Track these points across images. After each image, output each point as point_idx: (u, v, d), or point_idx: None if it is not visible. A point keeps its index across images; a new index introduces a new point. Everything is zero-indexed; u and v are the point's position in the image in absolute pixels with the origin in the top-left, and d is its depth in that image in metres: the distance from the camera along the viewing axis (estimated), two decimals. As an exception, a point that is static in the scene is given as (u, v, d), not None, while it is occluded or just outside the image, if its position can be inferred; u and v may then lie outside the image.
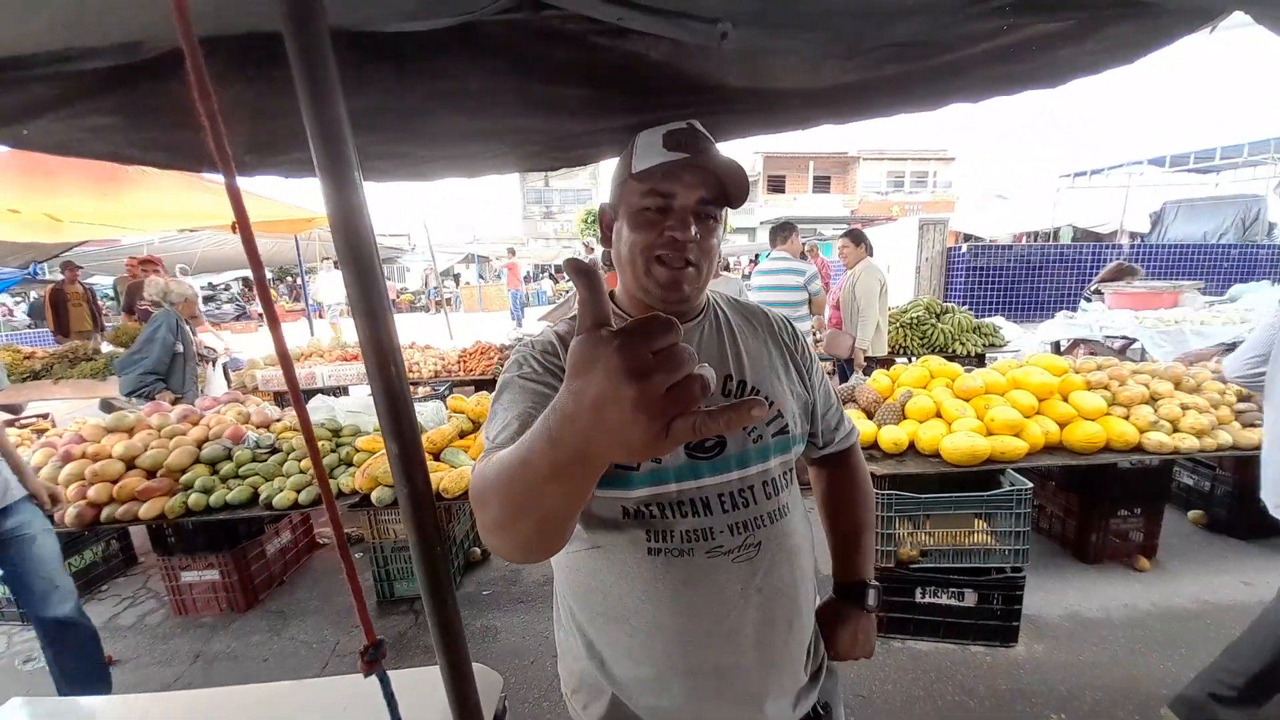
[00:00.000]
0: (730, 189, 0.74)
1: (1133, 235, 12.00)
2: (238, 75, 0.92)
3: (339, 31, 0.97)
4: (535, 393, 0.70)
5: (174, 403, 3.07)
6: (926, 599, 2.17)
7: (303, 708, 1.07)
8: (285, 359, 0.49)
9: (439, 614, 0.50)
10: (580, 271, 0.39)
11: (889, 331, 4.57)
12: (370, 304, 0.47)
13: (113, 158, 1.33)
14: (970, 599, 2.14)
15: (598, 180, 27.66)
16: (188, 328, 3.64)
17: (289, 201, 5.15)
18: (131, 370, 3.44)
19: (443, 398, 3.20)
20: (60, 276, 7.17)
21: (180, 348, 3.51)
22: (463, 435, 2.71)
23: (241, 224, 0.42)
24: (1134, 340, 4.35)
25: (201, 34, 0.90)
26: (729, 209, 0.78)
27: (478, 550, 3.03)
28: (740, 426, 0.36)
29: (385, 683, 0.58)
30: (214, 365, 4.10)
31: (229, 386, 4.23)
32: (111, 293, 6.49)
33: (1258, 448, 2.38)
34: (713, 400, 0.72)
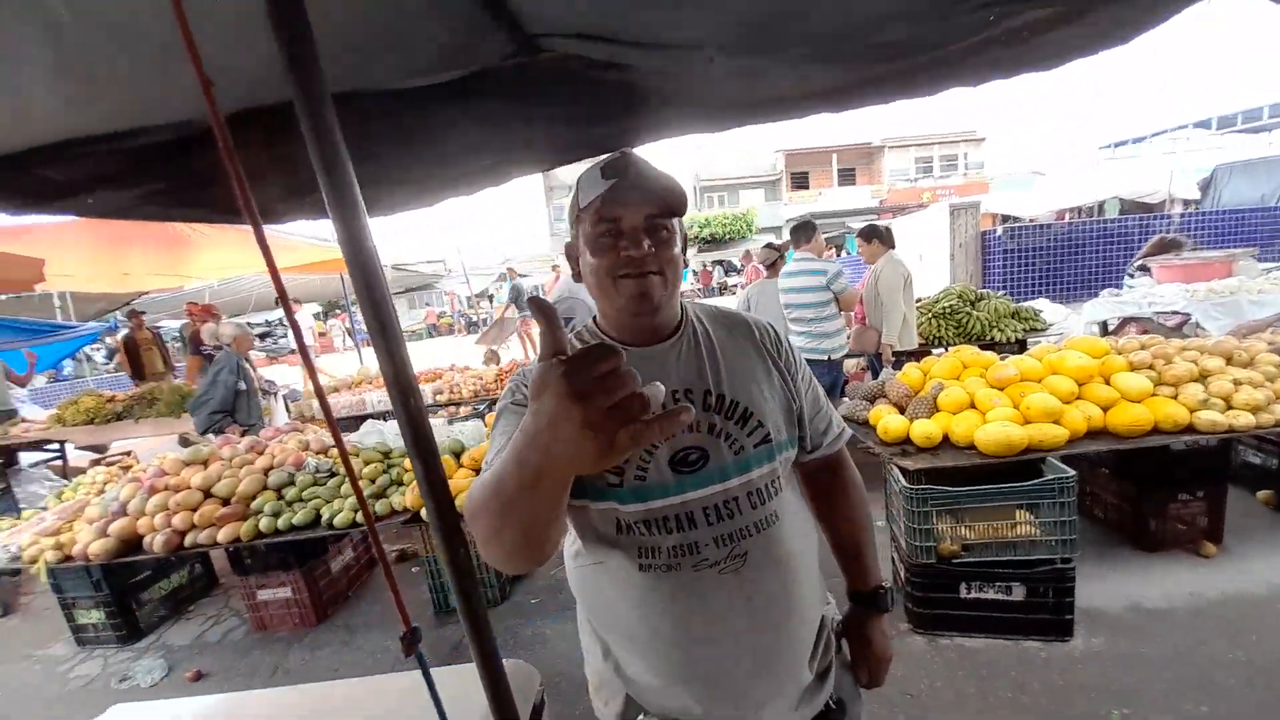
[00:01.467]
0: (669, 201, 0.78)
1: (1186, 203, 11.35)
2: (268, 138, 1.05)
3: (356, 93, 1.09)
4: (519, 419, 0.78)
5: (242, 435, 3.32)
6: (972, 594, 2.14)
7: (368, 701, 1.20)
8: (320, 392, 0.58)
9: (468, 608, 0.58)
10: (539, 308, 0.46)
11: (921, 322, 4.49)
12: (388, 343, 0.56)
13: (163, 218, 1.51)
14: (1019, 593, 2.10)
15: (621, 192, 28.02)
16: (247, 365, 3.95)
17: (328, 242, 5.52)
18: (201, 410, 3.79)
19: (482, 416, 3.34)
20: (130, 325, 7.75)
21: (243, 385, 3.82)
22: (504, 451, 2.83)
23: (271, 269, 0.51)
24: (1188, 316, 4.15)
25: (236, 108, 1.03)
26: (677, 218, 0.81)
27: (525, 562, 3.14)
28: (674, 431, 0.43)
29: (423, 662, 0.67)
30: (276, 397, 4.41)
31: (289, 416, 4.52)
32: (178, 334, 6.97)
33: (1324, 422, 2.26)
34: (697, 416, 0.79)
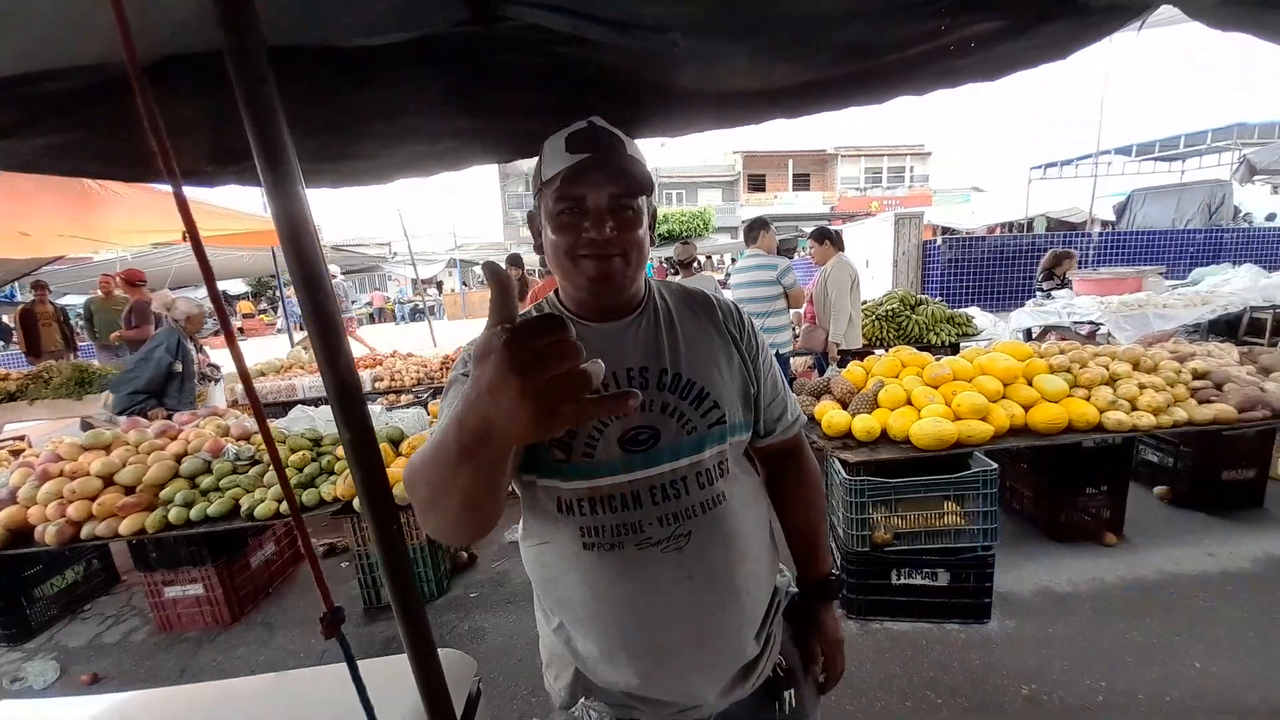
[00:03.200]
0: (636, 179, 0.75)
1: (1104, 223, 12.29)
2: (196, 90, 0.95)
3: (298, 48, 1.01)
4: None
5: (168, 418, 3.06)
6: (901, 580, 2.23)
7: (282, 696, 1.10)
8: (242, 367, 0.52)
9: (398, 586, 0.54)
10: (492, 275, 0.45)
11: (865, 324, 4.66)
12: (318, 308, 0.50)
13: (75, 173, 1.35)
14: (944, 579, 2.21)
15: (579, 184, 27.77)
16: (190, 346, 3.61)
17: (259, 214, 5.14)
18: (122, 389, 3.43)
19: (425, 404, 3.21)
20: (31, 297, 7.03)
21: (179, 367, 3.48)
22: (445, 440, 2.73)
23: (191, 234, 0.45)
24: (1100, 325, 4.48)
25: (161, 54, 0.93)
26: (645, 197, 0.78)
27: (464, 554, 3.04)
28: (618, 414, 0.41)
29: (345, 644, 0.62)
30: (217, 384, 4.06)
31: (226, 404, 4.20)
32: (83, 313, 6.36)
33: (1212, 423, 2.49)
34: (649, 394, 0.78)
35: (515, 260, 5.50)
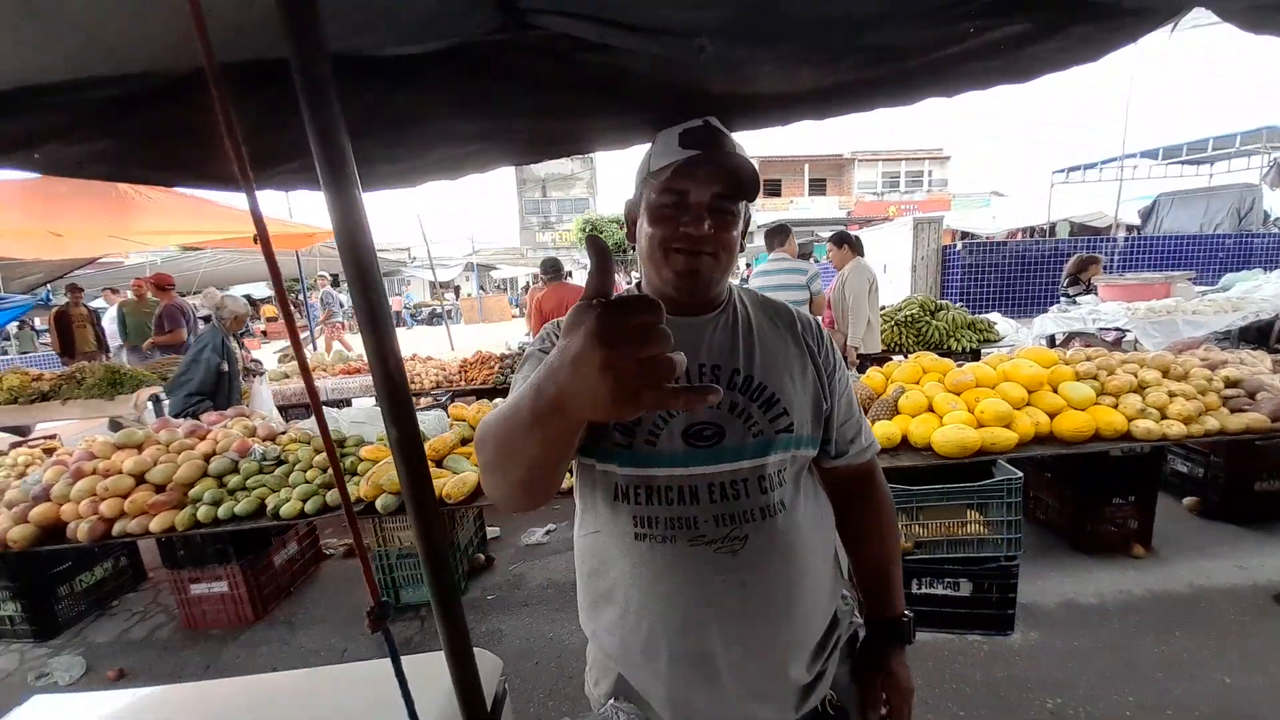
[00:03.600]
0: (742, 182, 0.76)
1: (1129, 228, 12.04)
2: (234, 97, 0.98)
3: (337, 56, 1.04)
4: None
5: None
6: (923, 590, 2.20)
7: (313, 693, 1.12)
8: (305, 369, 0.54)
9: (439, 583, 0.55)
10: (596, 248, 0.45)
11: (884, 329, 4.62)
12: (372, 308, 0.52)
13: (119, 178, 1.40)
14: (966, 589, 2.17)
15: (594, 190, 27.86)
16: (234, 345, 3.68)
17: (284, 219, 5.25)
18: (178, 392, 3.50)
19: (444, 407, 3.25)
20: (65, 300, 7.25)
21: (225, 366, 3.55)
22: (464, 442, 2.76)
23: (262, 237, 0.47)
24: (1127, 332, 4.39)
25: (197, 64, 0.96)
26: (746, 201, 0.80)
27: (482, 556, 3.07)
28: (695, 407, 0.41)
29: (389, 638, 0.63)
30: (261, 379, 4.11)
31: (272, 402, 4.26)
32: (115, 316, 6.55)
33: (1244, 432, 2.42)
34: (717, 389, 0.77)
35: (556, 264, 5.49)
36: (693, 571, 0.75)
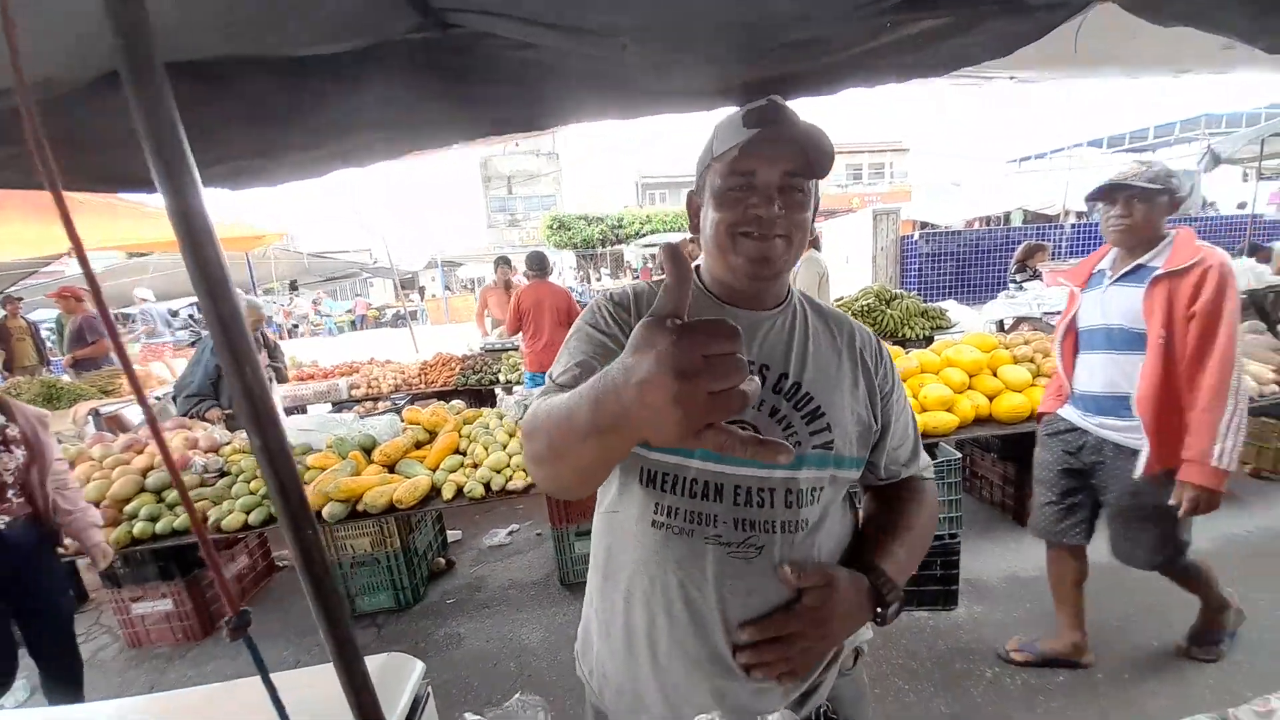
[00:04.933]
0: (813, 158, 0.72)
1: (1078, 215, 12.51)
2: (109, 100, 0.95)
3: (245, 59, 1.01)
4: (598, 342, 0.75)
5: (227, 419, 3.11)
6: (871, 571, 2.26)
7: (221, 708, 1.08)
8: (139, 392, 0.52)
9: (319, 592, 0.54)
10: (673, 258, 0.42)
11: (841, 319, 4.71)
12: (223, 318, 0.51)
13: (23, 185, 1.34)
14: (911, 568, 2.24)
15: (560, 186, 27.65)
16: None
17: (229, 220, 5.07)
18: (181, 395, 3.44)
19: (399, 410, 3.20)
20: (2, 312, 6.87)
21: None
22: (419, 446, 2.72)
23: (76, 246, 0.45)
24: (1070, 314, 4.57)
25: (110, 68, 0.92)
26: (817, 179, 0.75)
27: (442, 560, 3.03)
28: (759, 459, 0.39)
29: (253, 648, 0.62)
30: (273, 381, 3.94)
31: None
32: (54, 327, 6.22)
33: (1169, 407, 2.55)
34: (762, 393, 0.74)
35: (505, 261, 5.46)
36: (704, 569, 0.73)
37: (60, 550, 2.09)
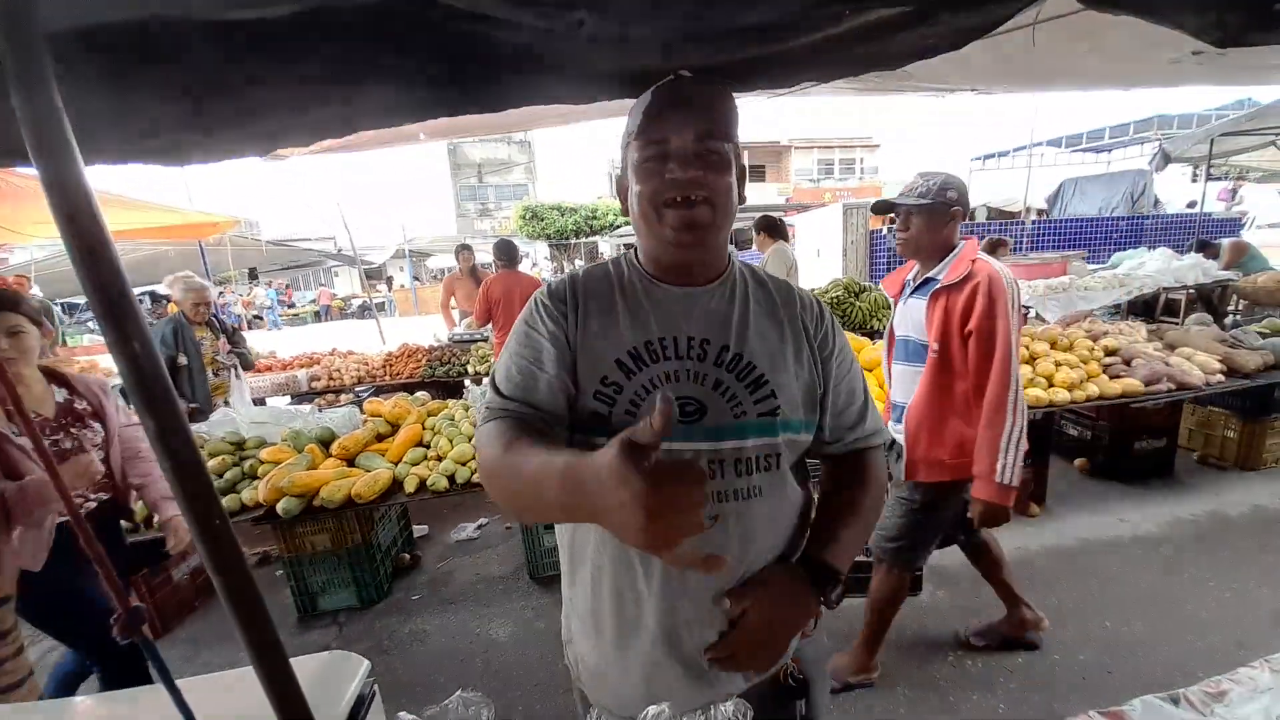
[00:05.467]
0: (722, 119, 0.74)
1: (1039, 212, 12.92)
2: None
3: (170, 23, 0.93)
4: (537, 346, 0.77)
5: (190, 415, 2.83)
6: (838, 559, 2.29)
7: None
8: (9, 383, 0.46)
9: (230, 585, 0.49)
10: (664, 414, 0.45)
11: (811, 311, 4.77)
12: (105, 288, 0.45)
13: None
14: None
15: (534, 175, 27.25)
16: (193, 333, 3.30)
17: (179, 206, 4.81)
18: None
19: (360, 403, 3.10)
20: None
21: (183, 359, 3.19)
22: (380, 438, 2.64)
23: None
24: (1029, 308, 4.71)
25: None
26: (731, 141, 0.76)
27: (406, 555, 2.96)
28: (708, 570, 0.48)
29: (151, 650, 0.57)
30: (235, 372, 3.61)
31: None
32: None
33: (1121, 396, 2.65)
34: (704, 367, 0.76)
35: (466, 248, 5.34)
36: None
37: (126, 525, 1.95)
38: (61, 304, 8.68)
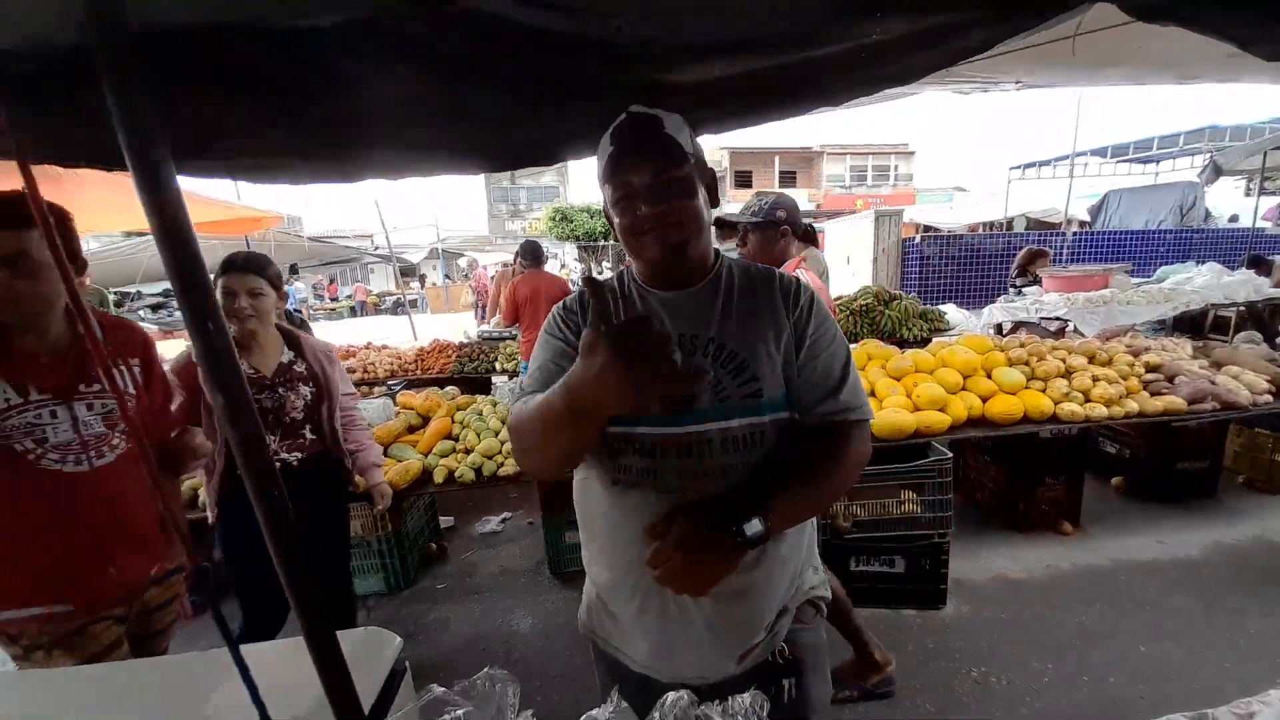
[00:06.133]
0: (673, 150, 0.82)
1: (1080, 224, 12.50)
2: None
3: (228, 25, 1.00)
4: (555, 349, 0.89)
5: None
6: (860, 567, 2.27)
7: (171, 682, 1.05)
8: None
9: (285, 557, 0.53)
10: (590, 284, 0.61)
11: (839, 318, 4.71)
12: (189, 277, 0.50)
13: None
14: (900, 565, 2.25)
15: (565, 178, 27.56)
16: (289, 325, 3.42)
17: (229, 201, 5.03)
18: None
19: (393, 395, 3.19)
20: None
21: None
22: (411, 430, 2.72)
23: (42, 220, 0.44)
24: (1069, 321, 4.57)
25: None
26: (687, 165, 0.82)
27: (434, 545, 3.04)
28: (697, 384, 0.59)
29: (215, 607, 0.61)
30: None
31: None
32: None
33: (1162, 414, 2.56)
34: (692, 361, 0.85)
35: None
36: (653, 515, 0.81)
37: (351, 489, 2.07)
38: (116, 293, 9.11)
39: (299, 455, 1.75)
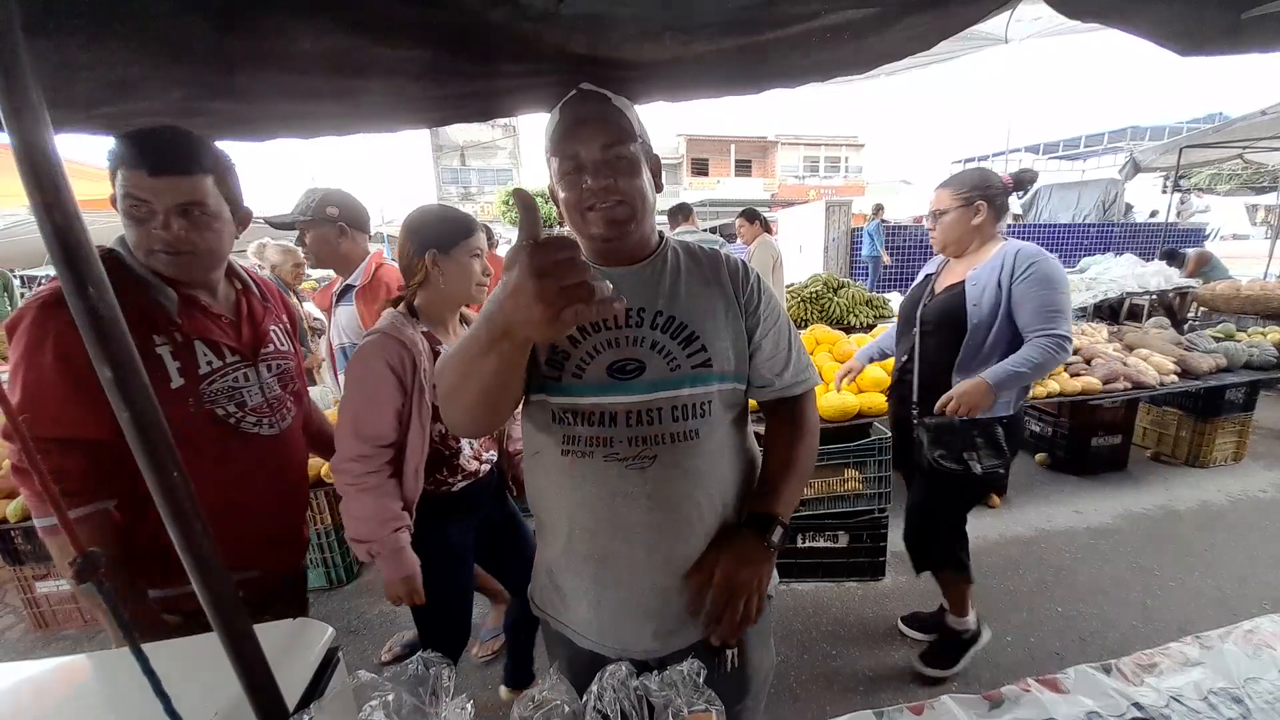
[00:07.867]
0: (623, 126, 0.83)
1: (1015, 217, 13.21)
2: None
3: None
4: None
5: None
6: (806, 544, 2.36)
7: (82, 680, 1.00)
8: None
9: (183, 531, 0.50)
10: (520, 201, 0.57)
11: (790, 305, 4.82)
12: (68, 235, 0.45)
13: None
14: (843, 540, 2.35)
15: (518, 161, 26.89)
16: (292, 299, 3.13)
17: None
18: None
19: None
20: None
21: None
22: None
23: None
24: (1001, 307, 4.84)
25: None
26: (635, 143, 0.85)
27: (381, 536, 2.95)
28: (606, 315, 0.52)
29: (106, 593, 0.57)
30: (321, 339, 3.37)
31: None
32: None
33: (1080, 394, 2.75)
34: (640, 331, 0.87)
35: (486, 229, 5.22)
36: (605, 482, 0.85)
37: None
38: (20, 276, 8.32)
39: (490, 457, 1.53)
